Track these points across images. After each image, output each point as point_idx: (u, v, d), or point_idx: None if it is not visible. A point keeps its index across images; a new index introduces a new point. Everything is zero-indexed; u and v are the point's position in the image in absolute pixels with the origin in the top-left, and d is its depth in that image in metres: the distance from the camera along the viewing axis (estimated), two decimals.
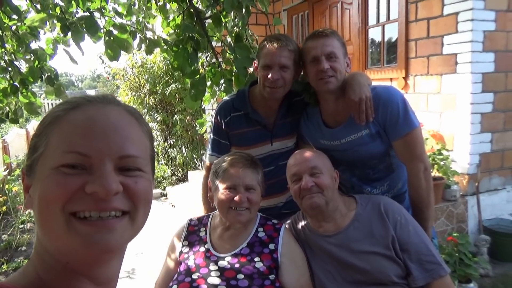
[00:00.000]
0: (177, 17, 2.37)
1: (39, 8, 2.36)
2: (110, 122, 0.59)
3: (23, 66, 2.57)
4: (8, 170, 6.33)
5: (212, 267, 1.41)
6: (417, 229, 1.48)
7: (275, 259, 1.44)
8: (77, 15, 2.37)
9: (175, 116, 6.74)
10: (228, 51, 2.25)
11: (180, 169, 7.06)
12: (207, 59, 2.46)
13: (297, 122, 1.86)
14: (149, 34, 2.55)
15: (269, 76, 1.66)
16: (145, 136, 0.65)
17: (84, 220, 0.56)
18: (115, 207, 0.57)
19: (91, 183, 0.55)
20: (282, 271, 1.43)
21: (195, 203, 4.09)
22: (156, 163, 4.82)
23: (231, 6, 2.07)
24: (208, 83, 2.36)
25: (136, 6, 2.55)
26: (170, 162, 7.21)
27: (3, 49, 2.47)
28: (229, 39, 2.41)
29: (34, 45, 2.50)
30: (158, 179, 6.78)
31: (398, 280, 1.40)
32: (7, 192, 5.11)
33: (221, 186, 1.48)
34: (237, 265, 1.41)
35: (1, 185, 5.34)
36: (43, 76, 2.54)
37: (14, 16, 2.33)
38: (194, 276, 1.40)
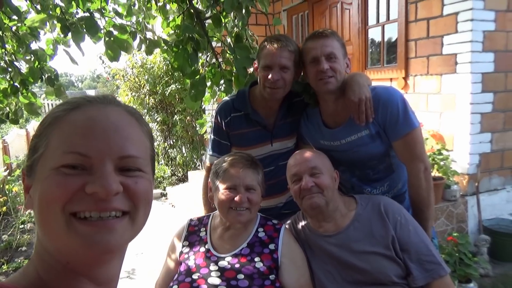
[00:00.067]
0: (177, 17, 2.37)
1: (39, 9, 2.36)
2: (110, 122, 0.59)
3: (23, 67, 2.57)
4: (8, 171, 6.34)
5: (212, 267, 1.42)
6: (417, 229, 1.48)
7: (275, 259, 1.44)
8: (77, 16, 2.37)
9: (175, 116, 6.74)
10: (228, 52, 2.25)
11: (180, 169, 7.07)
12: (207, 59, 2.46)
13: (297, 123, 1.86)
14: (149, 35, 2.55)
15: (269, 76, 1.66)
16: (145, 137, 0.65)
17: (84, 220, 0.56)
18: (115, 208, 0.57)
19: (91, 184, 0.55)
20: (282, 271, 1.43)
21: (195, 203, 4.10)
22: (156, 163, 4.80)
23: (231, 6, 2.07)
24: (208, 84, 2.36)
25: (136, 7, 2.56)
26: (170, 162, 7.22)
27: (3, 50, 2.47)
28: (229, 40, 2.41)
29: (34, 46, 2.51)
30: (158, 179, 6.79)
31: (398, 280, 1.40)
32: (7, 192, 5.11)
33: (222, 186, 1.48)
34: (237, 265, 1.41)
35: (1, 186, 5.35)
36: (43, 76, 2.55)
37: (14, 17, 2.33)
38: (195, 276, 1.40)
